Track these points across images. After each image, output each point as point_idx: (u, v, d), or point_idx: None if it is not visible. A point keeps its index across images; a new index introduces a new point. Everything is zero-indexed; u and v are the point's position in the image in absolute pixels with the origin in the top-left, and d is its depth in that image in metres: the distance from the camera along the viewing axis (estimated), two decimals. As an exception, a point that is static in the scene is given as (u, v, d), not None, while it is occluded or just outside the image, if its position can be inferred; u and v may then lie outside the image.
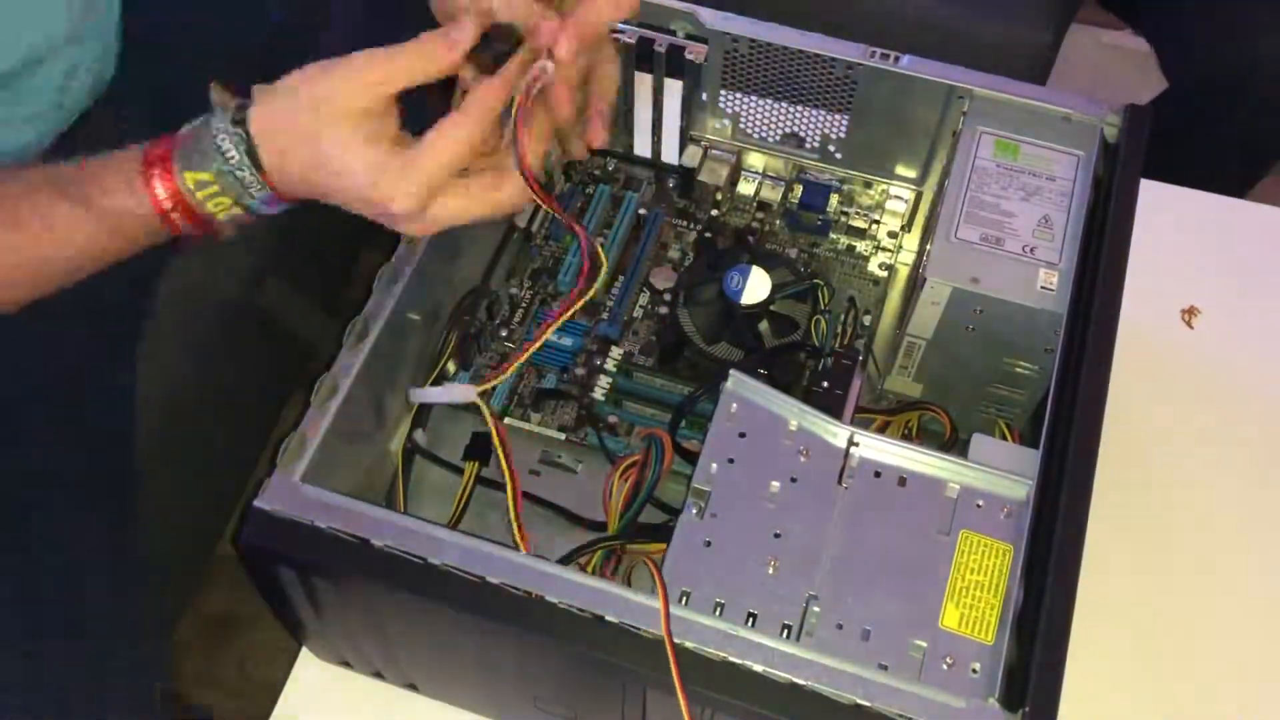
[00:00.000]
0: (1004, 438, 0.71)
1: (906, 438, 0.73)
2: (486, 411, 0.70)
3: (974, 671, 0.57)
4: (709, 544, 0.61)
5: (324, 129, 0.59)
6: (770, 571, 0.60)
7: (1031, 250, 0.71)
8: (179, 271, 0.82)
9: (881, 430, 0.75)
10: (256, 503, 0.60)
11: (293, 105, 0.59)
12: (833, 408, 0.67)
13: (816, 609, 0.59)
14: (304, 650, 0.74)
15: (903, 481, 0.63)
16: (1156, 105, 1.22)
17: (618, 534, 0.68)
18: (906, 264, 0.86)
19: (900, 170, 0.87)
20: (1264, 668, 0.77)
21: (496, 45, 0.63)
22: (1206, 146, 1.25)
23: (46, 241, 0.61)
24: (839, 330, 0.80)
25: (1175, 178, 0.97)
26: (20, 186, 0.61)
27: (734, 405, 0.65)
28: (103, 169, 0.61)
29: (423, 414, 0.76)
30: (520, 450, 0.77)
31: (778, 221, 0.87)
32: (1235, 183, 1.28)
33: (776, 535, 0.61)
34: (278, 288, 1.06)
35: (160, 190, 0.60)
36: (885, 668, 0.56)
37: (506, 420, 0.78)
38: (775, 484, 0.63)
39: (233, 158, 0.60)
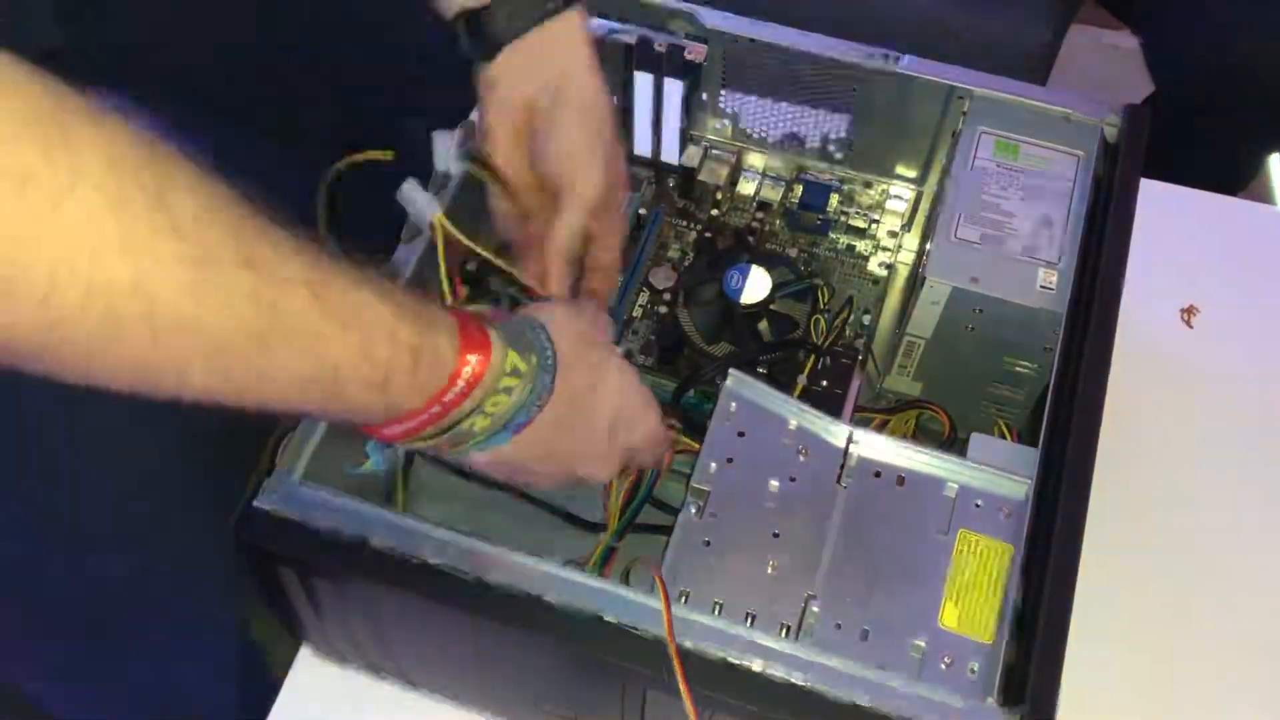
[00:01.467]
0: (1003, 437, 0.71)
1: (906, 437, 0.73)
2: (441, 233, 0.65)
3: (973, 671, 0.57)
4: (708, 543, 0.61)
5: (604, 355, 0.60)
6: (769, 571, 0.60)
7: (1031, 250, 0.71)
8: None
9: (880, 429, 0.75)
10: (255, 502, 0.60)
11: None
12: (832, 407, 0.67)
13: (815, 608, 0.59)
14: (304, 649, 0.74)
15: (902, 481, 0.63)
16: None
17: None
18: (906, 264, 0.86)
19: (900, 170, 0.87)
20: (1264, 667, 0.77)
21: None
22: (1190, 148, 1.26)
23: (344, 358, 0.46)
24: (831, 328, 0.80)
25: (1159, 178, 0.97)
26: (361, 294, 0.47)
27: (733, 404, 0.65)
28: (416, 302, 0.50)
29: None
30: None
31: (778, 221, 0.88)
32: (1219, 185, 1.29)
33: (775, 535, 0.61)
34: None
35: (471, 361, 0.51)
36: (884, 667, 0.56)
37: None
38: (774, 483, 0.63)
39: (548, 354, 0.55)
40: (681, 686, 0.54)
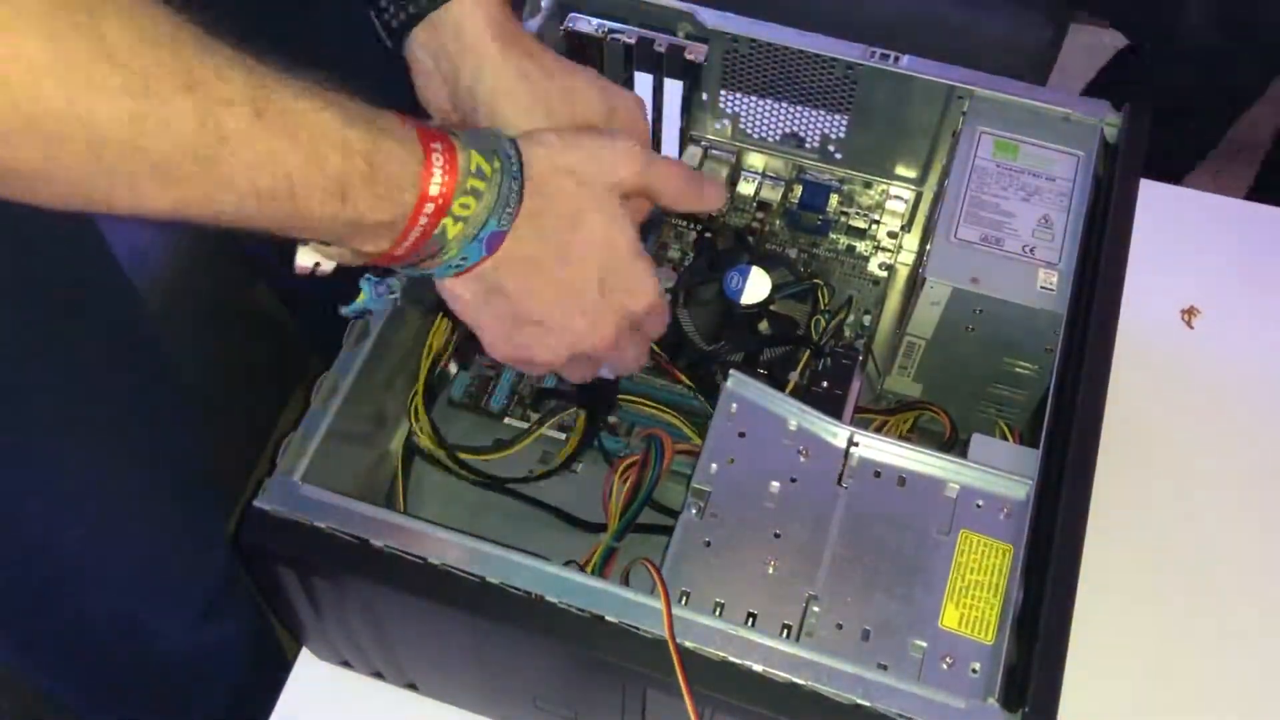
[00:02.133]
0: (1004, 437, 0.71)
1: (906, 438, 0.73)
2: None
3: (974, 671, 0.57)
4: (709, 544, 0.61)
5: (593, 199, 0.56)
6: (770, 571, 0.60)
7: (1031, 250, 0.71)
8: (179, 271, 0.82)
9: (881, 430, 0.75)
10: (256, 503, 0.60)
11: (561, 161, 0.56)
12: (832, 408, 0.67)
13: (816, 609, 0.59)
14: (304, 650, 0.74)
15: (902, 481, 0.63)
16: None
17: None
18: (906, 264, 0.86)
19: (900, 170, 0.87)
20: (1265, 667, 0.77)
21: None
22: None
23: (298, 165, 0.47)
24: (829, 328, 0.80)
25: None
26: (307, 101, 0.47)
27: (734, 405, 0.65)
28: (370, 112, 0.50)
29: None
30: (520, 451, 0.78)
31: (777, 221, 0.87)
32: (1169, 167, 1.29)
33: (776, 535, 0.61)
34: (277, 288, 1.06)
35: (437, 170, 0.50)
36: (885, 668, 0.56)
37: (506, 420, 0.78)
38: (775, 484, 0.63)
39: (513, 160, 0.53)
40: (682, 686, 0.54)
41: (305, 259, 0.55)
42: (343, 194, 0.48)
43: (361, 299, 0.64)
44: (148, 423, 0.78)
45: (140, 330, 0.79)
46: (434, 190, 0.50)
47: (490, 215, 0.53)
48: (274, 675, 0.75)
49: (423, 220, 0.51)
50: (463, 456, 0.74)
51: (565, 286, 0.57)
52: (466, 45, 0.63)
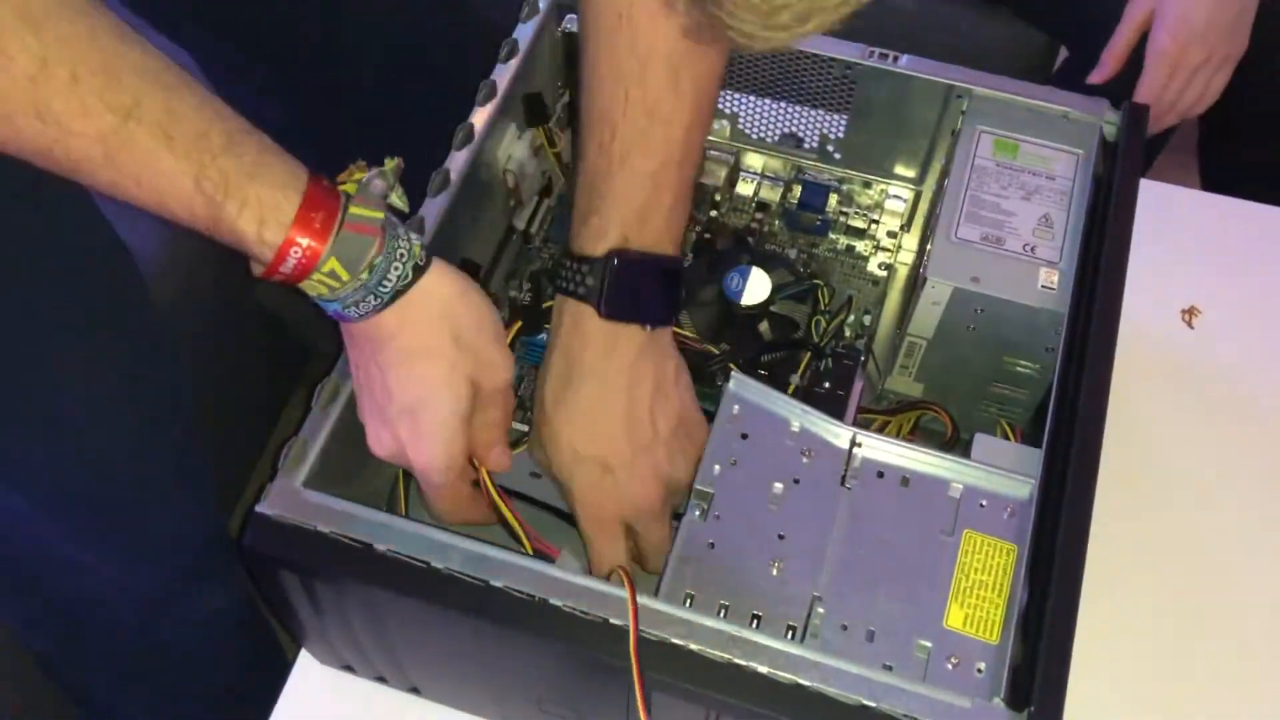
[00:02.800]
0: (1006, 437, 0.71)
1: (908, 438, 0.73)
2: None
3: (979, 671, 0.57)
4: (713, 546, 0.61)
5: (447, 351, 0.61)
6: (774, 573, 0.60)
7: (1032, 249, 0.71)
8: (179, 272, 0.82)
9: (882, 430, 0.75)
10: (259, 508, 0.59)
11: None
12: (835, 408, 0.67)
13: (821, 610, 0.59)
14: (302, 654, 0.74)
15: (906, 482, 0.63)
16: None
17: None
18: (906, 264, 0.86)
19: (899, 170, 0.87)
20: (1269, 665, 0.77)
21: None
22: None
23: (128, 187, 0.53)
24: (828, 328, 0.80)
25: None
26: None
27: (736, 407, 0.65)
28: (246, 182, 0.54)
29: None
30: (522, 453, 0.77)
31: (777, 222, 0.87)
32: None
33: (780, 536, 0.61)
34: (278, 288, 1.06)
35: (293, 256, 0.55)
36: (890, 668, 0.56)
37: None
38: (778, 485, 0.62)
39: (387, 281, 0.57)
40: (635, 676, 0.54)
41: None
42: (196, 225, 0.54)
43: None
44: (150, 400, 0.80)
45: (146, 315, 0.81)
46: (283, 270, 0.55)
47: (338, 304, 0.57)
48: (276, 657, 0.76)
49: (273, 277, 0.56)
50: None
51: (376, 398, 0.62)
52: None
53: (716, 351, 0.76)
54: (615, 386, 0.66)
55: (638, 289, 0.66)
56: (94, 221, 0.75)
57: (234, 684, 0.94)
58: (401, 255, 0.57)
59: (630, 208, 0.66)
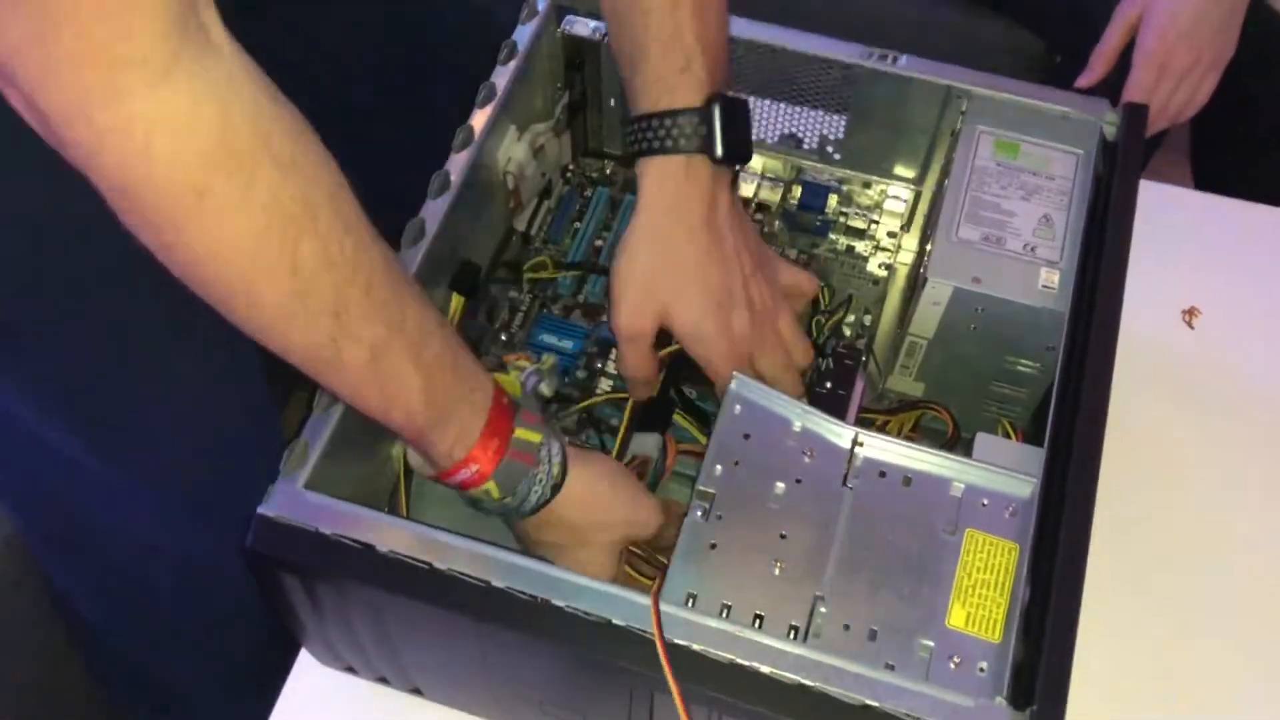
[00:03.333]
0: (1006, 436, 0.71)
1: (909, 437, 0.73)
2: None
3: (981, 670, 0.57)
4: (715, 546, 0.61)
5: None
6: (776, 573, 0.60)
7: (1032, 249, 0.71)
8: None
9: (883, 430, 0.75)
10: (260, 510, 0.59)
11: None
12: (836, 408, 0.67)
13: (823, 610, 0.59)
14: (302, 654, 0.74)
15: (907, 481, 0.63)
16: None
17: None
18: (906, 264, 0.86)
19: (899, 170, 0.87)
20: (1270, 665, 0.77)
21: None
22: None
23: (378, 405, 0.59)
24: (827, 328, 0.80)
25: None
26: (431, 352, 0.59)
27: (738, 407, 0.65)
28: (455, 405, 0.60)
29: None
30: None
31: (777, 222, 0.87)
32: None
33: (782, 536, 0.61)
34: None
35: (463, 475, 0.61)
36: (892, 668, 0.56)
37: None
38: (780, 485, 0.62)
39: (529, 502, 0.63)
40: (668, 677, 0.54)
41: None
42: (395, 430, 0.60)
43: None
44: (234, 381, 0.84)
45: None
46: (454, 481, 0.62)
47: (495, 511, 0.64)
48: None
49: (461, 476, 0.62)
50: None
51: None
52: (639, 195, 0.71)
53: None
54: (722, 229, 0.70)
55: (740, 129, 0.71)
56: None
57: (269, 658, 0.95)
58: (541, 480, 0.63)
59: (713, 55, 0.69)
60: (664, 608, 0.56)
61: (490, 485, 0.61)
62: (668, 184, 0.70)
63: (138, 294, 0.72)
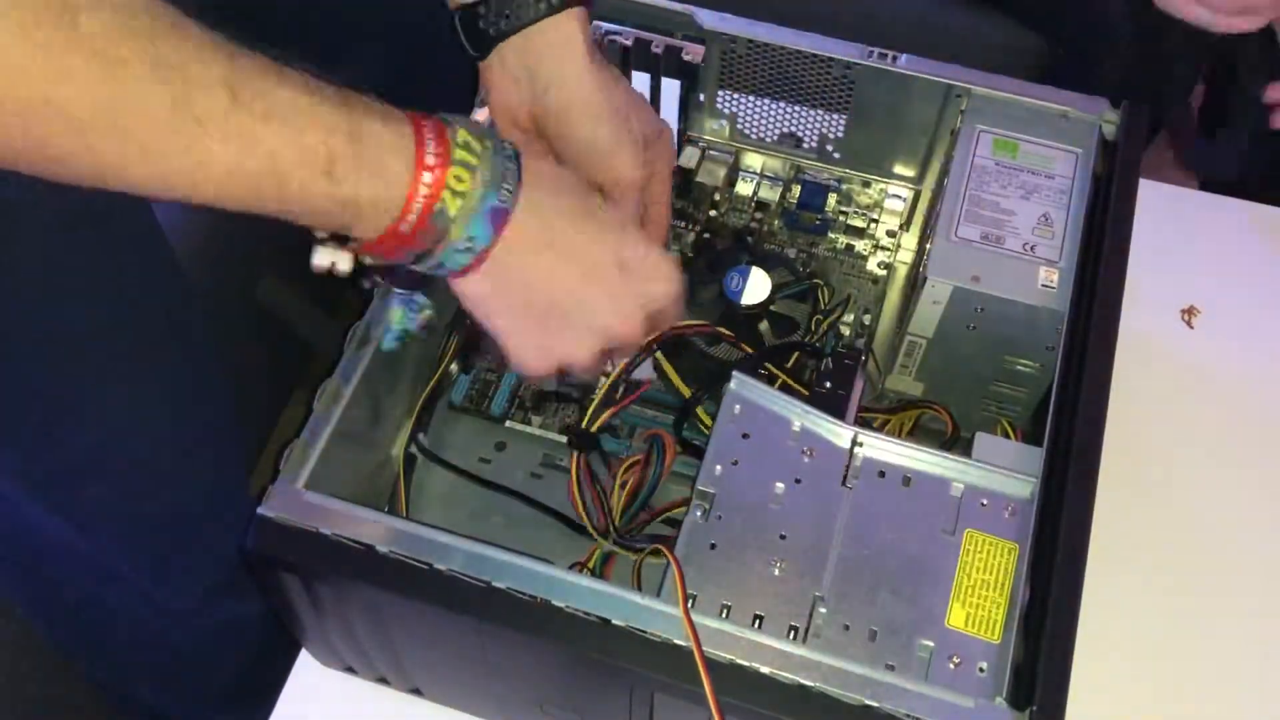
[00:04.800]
0: (1006, 436, 0.71)
1: (909, 437, 0.73)
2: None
3: (981, 670, 0.57)
4: (714, 546, 0.61)
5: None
6: (776, 573, 0.60)
7: (1032, 248, 0.71)
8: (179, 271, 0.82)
9: (883, 429, 0.75)
10: (260, 510, 0.59)
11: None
12: (836, 408, 0.67)
13: (823, 610, 0.59)
14: (302, 654, 0.74)
15: (907, 481, 0.63)
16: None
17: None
18: (905, 263, 0.86)
19: (898, 169, 0.87)
20: (1270, 664, 0.77)
21: None
22: None
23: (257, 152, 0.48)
24: (823, 327, 0.80)
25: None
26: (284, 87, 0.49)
27: (737, 407, 0.65)
28: (350, 96, 0.51)
29: (424, 418, 0.75)
30: (521, 453, 0.77)
31: (776, 221, 0.87)
32: None
33: (782, 536, 0.61)
34: (278, 288, 1.06)
35: (430, 141, 0.52)
36: (892, 668, 0.56)
37: (507, 424, 0.78)
38: (780, 485, 0.62)
39: (505, 145, 0.55)
40: (705, 683, 0.54)
41: (322, 259, 0.55)
42: (328, 171, 0.49)
43: (397, 321, 0.66)
44: (194, 416, 0.81)
45: (196, 334, 0.82)
46: (429, 160, 0.51)
47: (488, 189, 0.53)
48: (287, 652, 0.75)
49: (422, 192, 0.51)
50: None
51: (585, 268, 0.58)
52: (559, 56, 0.67)
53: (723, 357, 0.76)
54: None
55: None
56: (152, 239, 0.75)
57: (248, 680, 0.94)
58: (508, 153, 0.55)
59: None
60: (663, 608, 0.56)
61: (463, 155, 0.52)
62: (581, 31, 0.68)
63: (91, 327, 0.71)
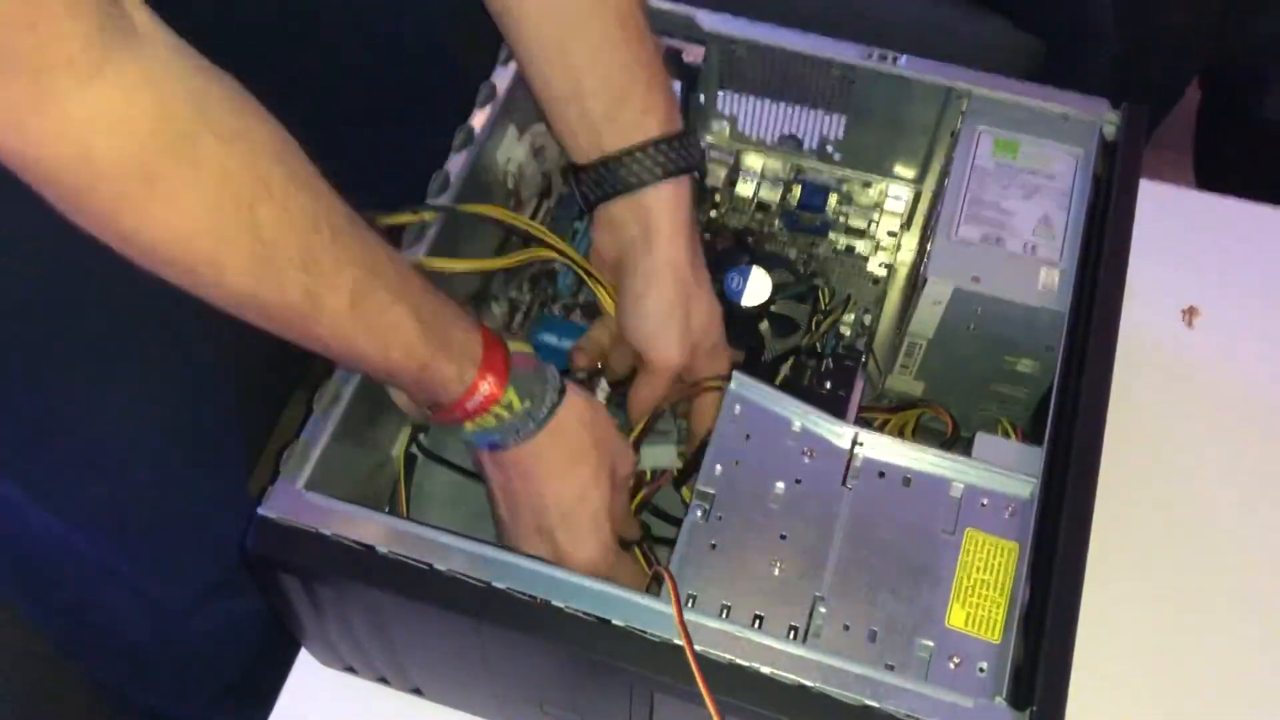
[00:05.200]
0: (1006, 436, 0.71)
1: (909, 437, 0.73)
2: None
3: (981, 670, 0.57)
4: (714, 546, 0.61)
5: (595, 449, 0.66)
6: (776, 573, 0.60)
7: (1032, 249, 0.71)
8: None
9: (883, 429, 0.75)
10: (260, 510, 0.59)
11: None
12: (836, 408, 0.67)
13: (823, 610, 0.59)
14: (302, 654, 0.74)
15: (907, 481, 0.63)
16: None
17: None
18: (906, 263, 0.86)
19: (899, 170, 0.87)
20: (1270, 664, 0.77)
21: None
22: None
23: (374, 348, 0.58)
24: (823, 327, 0.80)
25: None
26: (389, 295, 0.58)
27: (737, 407, 0.65)
28: (448, 328, 0.61)
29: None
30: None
31: (776, 222, 0.87)
32: None
33: (782, 537, 0.61)
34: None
35: (478, 395, 0.61)
36: (892, 668, 0.56)
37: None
38: (780, 485, 0.62)
39: (544, 406, 0.63)
40: (699, 682, 0.54)
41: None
42: (391, 378, 0.61)
43: None
44: (188, 414, 0.81)
45: (176, 304, 0.81)
46: (470, 405, 0.61)
47: (500, 434, 0.63)
48: (286, 652, 0.75)
49: (454, 415, 0.62)
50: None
51: (526, 507, 0.66)
52: (652, 219, 0.70)
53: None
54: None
55: None
56: None
57: (248, 680, 0.94)
58: (550, 380, 0.64)
59: (664, 75, 0.71)
60: (663, 608, 0.56)
61: (510, 395, 0.61)
62: (681, 208, 0.70)
63: (83, 326, 0.71)
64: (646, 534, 0.71)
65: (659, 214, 0.70)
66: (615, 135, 0.69)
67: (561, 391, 0.64)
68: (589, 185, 0.71)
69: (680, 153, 0.69)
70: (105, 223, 0.49)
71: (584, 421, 0.65)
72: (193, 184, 0.48)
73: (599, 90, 0.69)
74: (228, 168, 0.49)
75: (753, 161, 0.89)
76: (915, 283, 0.75)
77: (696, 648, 0.55)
